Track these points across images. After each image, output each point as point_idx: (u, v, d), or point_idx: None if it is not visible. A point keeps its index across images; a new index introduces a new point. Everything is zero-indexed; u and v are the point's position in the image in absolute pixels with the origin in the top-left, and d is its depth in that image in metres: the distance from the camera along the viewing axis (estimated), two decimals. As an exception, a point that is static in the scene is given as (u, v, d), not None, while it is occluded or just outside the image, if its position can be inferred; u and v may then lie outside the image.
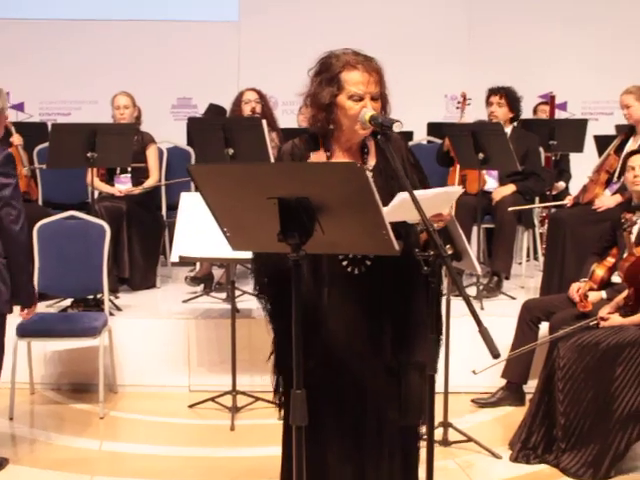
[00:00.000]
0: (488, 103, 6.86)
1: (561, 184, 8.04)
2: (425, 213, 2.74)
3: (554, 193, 7.67)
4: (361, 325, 3.13)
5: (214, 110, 7.97)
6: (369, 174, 2.90)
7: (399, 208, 2.79)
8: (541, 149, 7.15)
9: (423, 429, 3.22)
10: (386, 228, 2.59)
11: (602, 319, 4.64)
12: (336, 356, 3.13)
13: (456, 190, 3.20)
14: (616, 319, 4.61)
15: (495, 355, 2.46)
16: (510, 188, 6.71)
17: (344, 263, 3.10)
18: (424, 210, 2.73)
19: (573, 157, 8.29)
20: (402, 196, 2.81)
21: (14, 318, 5.37)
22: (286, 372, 3.11)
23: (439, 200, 2.98)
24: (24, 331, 5.25)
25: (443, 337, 3.18)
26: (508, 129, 6.71)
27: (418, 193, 2.79)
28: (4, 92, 4.54)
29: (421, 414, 3.18)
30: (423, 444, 3.21)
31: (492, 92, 6.87)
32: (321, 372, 3.09)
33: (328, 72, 3.07)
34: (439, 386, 3.91)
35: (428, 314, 3.02)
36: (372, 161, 3.17)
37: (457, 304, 4.96)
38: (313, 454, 2.99)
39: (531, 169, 6.77)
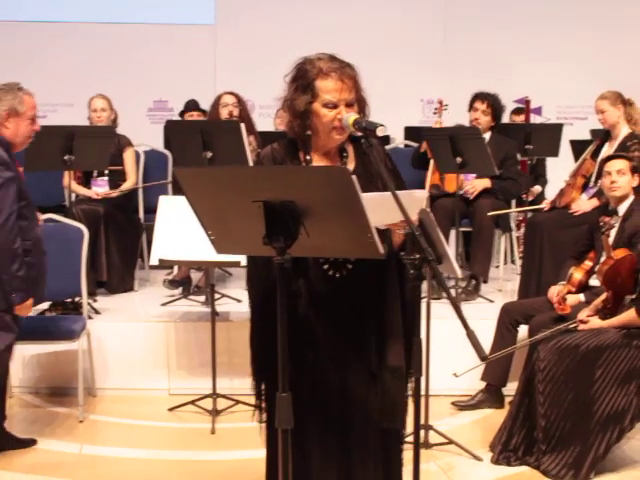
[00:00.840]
0: (472, 108, 6.85)
1: (537, 188, 8.10)
2: (391, 216, 2.74)
3: (530, 198, 7.72)
4: (344, 329, 3.13)
5: (193, 106, 7.99)
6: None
7: (374, 206, 2.77)
8: (517, 154, 7.19)
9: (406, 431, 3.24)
10: (371, 232, 2.59)
11: (582, 322, 4.68)
12: (320, 360, 3.13)
13: (421, 194, 3.19)
14: (595, 322, 4.65)
15: (483, 358, 2.47)
16: (485, 182, 6.73)
17: (325, 267, 3.10)
18: (391, 212, 2.74)
19: (549, 161, 8.35)
20: (371, 195, 2.81)
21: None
22: (270, 376, 3.12)
23: (405, 202, 2.96)
24: (2, 335, 5.21)
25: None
26: (487, 135, 6.73)
27: (384, 194, 2.79)
28: (16, 90, 4.57)
29: (396, 417, 3.18)
30: (406, 447, 3.23)
31: (478, 97, 6.84)
32: (305, 377, 3.10)
33: (303, 79, 3.08)
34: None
35: (410, 317, 3.03)
36: (351, 165, 3.18)
37: (436, 307, 5.00)
38: (297, 460, 2.99)
39: (508, 174, 6.79)
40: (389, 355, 3.12)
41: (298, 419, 2.76)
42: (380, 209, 2.76)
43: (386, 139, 7.88)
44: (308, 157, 3.15)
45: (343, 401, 3.16)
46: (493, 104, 6.81)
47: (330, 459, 3.18)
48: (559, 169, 7.50)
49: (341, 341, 3.13)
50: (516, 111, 8.77)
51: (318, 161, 3.15)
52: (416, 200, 3.07)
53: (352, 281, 3.11)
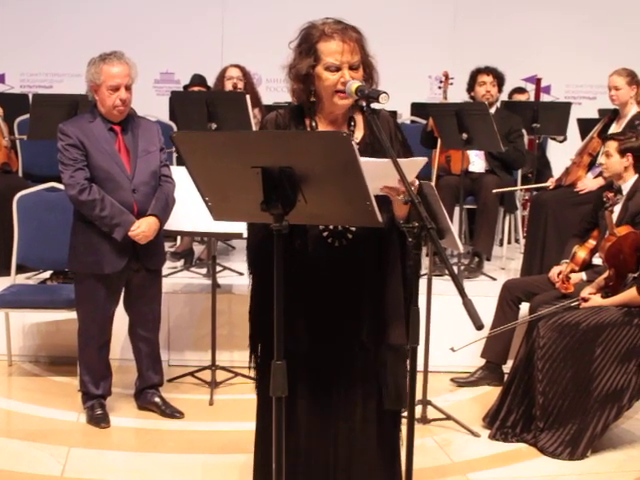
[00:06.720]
0: (479, 83, 6.83)
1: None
2: (391, 183, 2.71)
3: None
4: (340, 298, 3.09)
5: (198, 81, 7.94)
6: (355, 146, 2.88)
7: (374, 173, 2.74)
8: (524, 131, 7.13)
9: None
10: (370, 199, 2.56)
11: (584, 299, 4.65)
12: (312, 329, 3.09)
13: (421, 159, 3.15)
14: (597, 300, 4.62)
15: (478, 326, 2.42)
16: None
17: (325, 234, 3.06)
18: (390, 180, 2.72)
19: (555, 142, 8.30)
20: (370, 160, 2.78)
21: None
22: (265, 344, 3.09)
23: (406, 169, 2.93)
24: (2, 302, 5.21)
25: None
26: (492, 109, 6.68)
27: (384, 160, 2.74)
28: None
29: (400, 399, 3.11)
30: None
31: (482, 71, 6.87)
32: (298, 346, 3.06)
33: (306, 43, 3.01)
34: (419, 364, 3.89)
35: (407, 288, 3.00)
36: (359, 134, 3.13)
37: (438, 284, 4.97)
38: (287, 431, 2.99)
39: (513, 149, 6.75)
40: (390, 333, 3.08)
41: (290, 389, 2.74)
42: (380, 176, 2.72)
43: (393, 114, 7.82)
44: (314, 123, 3.09)
45: (331, 371, 3.12)
46: (498, 76, 6.82)
47: (319, 430, 3.16)
48: (566, 148, 7.44)
49: (335, 310, 3.09)
50: (519, 90, 8.69)
51: (324, 128, 3.09)
52: (416, 165, 3.02)
53: (351, 250, 3.06)
